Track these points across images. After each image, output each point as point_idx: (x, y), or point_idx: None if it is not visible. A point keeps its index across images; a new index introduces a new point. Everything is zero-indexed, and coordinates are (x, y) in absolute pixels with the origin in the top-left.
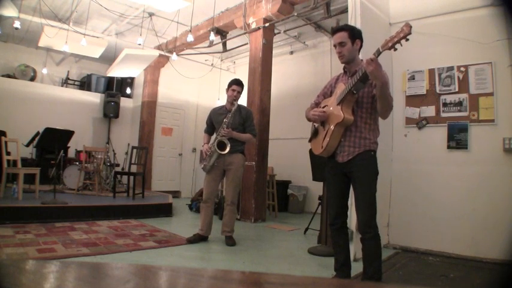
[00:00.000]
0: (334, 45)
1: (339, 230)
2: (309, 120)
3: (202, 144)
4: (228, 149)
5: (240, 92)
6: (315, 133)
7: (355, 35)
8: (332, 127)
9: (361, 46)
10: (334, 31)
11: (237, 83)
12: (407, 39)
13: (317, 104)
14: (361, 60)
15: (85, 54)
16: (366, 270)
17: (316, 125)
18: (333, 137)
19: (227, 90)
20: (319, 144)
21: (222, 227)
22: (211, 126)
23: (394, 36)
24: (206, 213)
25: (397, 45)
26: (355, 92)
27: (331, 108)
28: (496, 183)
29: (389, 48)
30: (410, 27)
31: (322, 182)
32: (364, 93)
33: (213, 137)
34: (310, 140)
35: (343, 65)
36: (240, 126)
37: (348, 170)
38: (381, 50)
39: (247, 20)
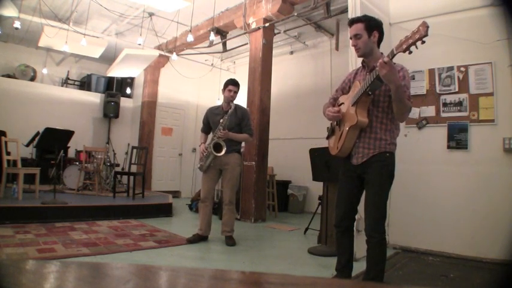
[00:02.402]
0: (350, 38)
1: (343, 233)
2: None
3: (200, 143)
4: (223, 151)
5: (236, 92)
6: (332, 131)
7: (372, 26)
8: (346, 129)
9: (380, 38)
10: (350, 22)
11: (233, 83)
12: (423, 42)
13: (335, 100)
14: (381, 53)
15: (85, 54)
16: (368, 272)
17: (333, 123)
18: (348, 139)
19: (223, 90)
20: (335, 144)
21: (222, 227)
22: (208, 126)
23: (409, 37)
24: (204, 213)
25: (412, 48)
26: (370, 92)
27: (346, 108)
28: (496, 183)
29: (404, 51)
30: (427, 27)
31: (322, 182)
32: (381, 92)
33: (210, 135)
34: (327, 138)
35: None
36: (237, 126)
37: (362, 171)
38: (395, 52)
39: (247, 20)
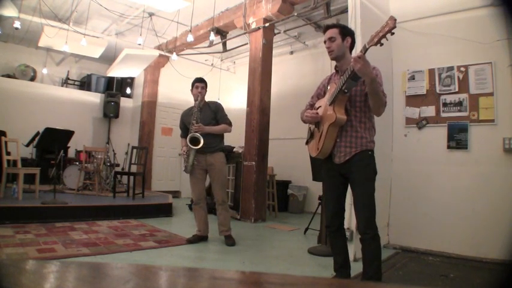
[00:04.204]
0: (324, 42)
1: (336, 232)
2: (304, 122)
3: (181, 148)
4: (201, 143)
5: (204, 88)
6: (311, 135)
7: (345, 32)
8: (326, 128)
9: (352, 45)
10: (325, 28)
11: (198, 80)
12: (392, 33)
13: (312, 106)
14: None
15: (85, 54)
16: (365, 270)
17: (311, 127)
18: (328, 138)
19: (191, 90)
20: (315, 146)
21: (219, 227)
22: (186, 129)
23: (379, 31)
24: (200, 214)
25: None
26: (346, 91)
27: (323, 110)
28: (496, 183)
29: (376, 44)
30: (395, 20)
31: (322, 182)
32: (357, 92)
33: None
34: (307, 143)
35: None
36: (213, 120)
37: (346, 171)
38: (367, 46)
39: (247, 20)
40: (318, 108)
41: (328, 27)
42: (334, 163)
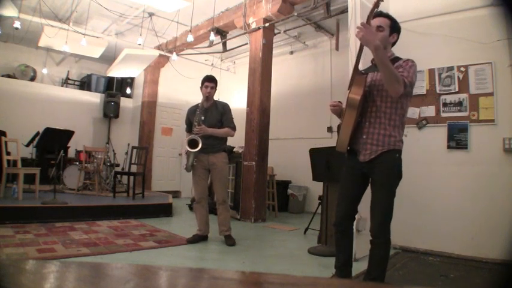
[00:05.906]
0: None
1: (343, 232)
2: (336, 115)
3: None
4: (199, 147)
5: (213, 88)
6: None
7: (395, 27)
8: (344, 113)
9: (395, 42)
10: (378, 14)
11: (208, 79)
12: None
13: None
14: (395, 56)
15: (85, 54)
16: (370, 271)
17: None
18: (344, 123)
19: (201, 88)
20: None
21: (219, 227)
22: (191, 125)
23: None
24: (201, 213)
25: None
26: (363, 72)
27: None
28: (496, 183)
29: (373, 10)
30: None
31: (322, 182)
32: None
33: None
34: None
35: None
36: (219, 122)
37: (369, 170)
38: (369, 15)
39: (247, 20)
40: None
41: (380, 14)
42: (358, 161)
